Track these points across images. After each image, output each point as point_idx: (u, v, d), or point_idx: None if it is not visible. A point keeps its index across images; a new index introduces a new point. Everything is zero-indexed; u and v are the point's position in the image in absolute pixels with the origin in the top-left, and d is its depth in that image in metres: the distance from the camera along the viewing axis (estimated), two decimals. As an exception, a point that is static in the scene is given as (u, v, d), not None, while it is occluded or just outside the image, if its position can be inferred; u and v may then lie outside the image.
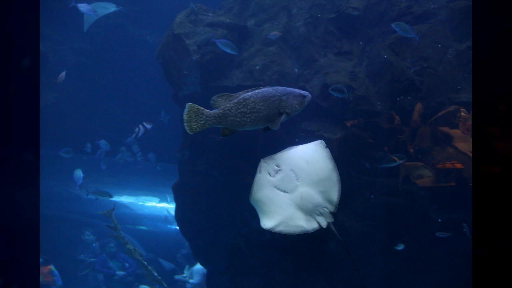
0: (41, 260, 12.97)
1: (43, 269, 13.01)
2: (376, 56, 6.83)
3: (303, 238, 5.80)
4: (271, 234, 5.41)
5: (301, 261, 7.16)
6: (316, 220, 4.04)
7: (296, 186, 4.00)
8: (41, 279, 12.83)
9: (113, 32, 11.34)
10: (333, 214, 4.11)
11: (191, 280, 10.62)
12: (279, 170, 4.00)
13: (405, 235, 6.62)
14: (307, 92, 3.95)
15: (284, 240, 7.05)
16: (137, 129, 9.88)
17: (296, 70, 7.21)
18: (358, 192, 6.69)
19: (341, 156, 6.48)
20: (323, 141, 4.10)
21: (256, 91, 3.80)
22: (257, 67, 7.06)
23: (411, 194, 6.55)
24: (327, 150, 4.06)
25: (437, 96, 6.47)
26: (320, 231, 4.10)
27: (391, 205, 6.59)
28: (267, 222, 4.03)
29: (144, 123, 9.87)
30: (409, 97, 6.49)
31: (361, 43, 7.20)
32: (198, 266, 10.57)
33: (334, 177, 4.01)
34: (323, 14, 7.43)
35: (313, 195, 3.99)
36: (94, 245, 14.68)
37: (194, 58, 7.28)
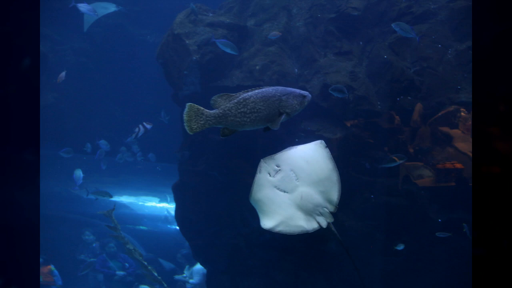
0: (41, 260, 12.98)
1: (43, 269, 13.02)
2: (376, 56, 6.84)
3: (303, 238, 5.81)
4: (271, 234, 5.42)
5: (301, 261, 7.16)
6: (316, 220, 4.04)
7: (296, 186, 4.00)
8: (41, 279, 12.84)
9: (113, 32, 11.35)
10: (333, 214, 4.11)
11: (191, 280, 10.62)
12: (279, 170, 4.00)
13: (405, 235, 6.63)
14: (307, 92, 3.96)
15: (284, 240, 7.05)
16: (137, 129, 9.89)
17: (296, 70, 7.22)
18: (358, 192, 6.69)
19: (341, 156, 6.48)
20: (323, 141, 4.11)
21: (256, 91, 3.81)
22: (257, 67, 7.06)
23: (411, 194, 6.55)
24: (327, 150, 4.06)
25: (437, 96, 6.48)
26: (320, 231, 4.11)
27: (391, 205, 6.60)
28: (267, 222, 4.03)
29: (144, 123, 9.88)
30: (409, 97, 6.49)
31: (361, 43, 7.20)
32: (198, 266, 10.56)
33: (334, 177, 4.01)
34: (323, 14, 7.43)
35: (313, 195, 4.00)
36: (94, 245, 14.69)
37: (194, 58, 7.28)
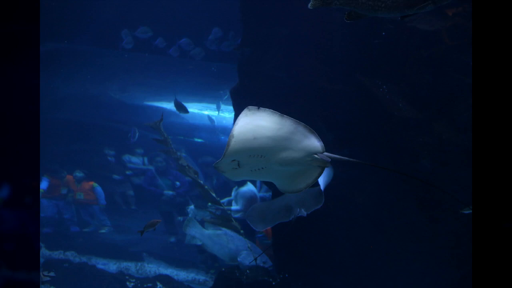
0: (81, 174, 13.96)
1: (84, 185, 14.00)
2: None
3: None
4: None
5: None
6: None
7: (267, 161, 3.98)
8: (82, 197, 13.87)
9: None
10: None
11: (233, 208, 10.45)
12: (237, 161, 3.96)
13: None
14: None
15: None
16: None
17: None
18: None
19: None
20: (250, 107, 4.00)
21: None
22: None
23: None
24: (262, 110, 3.98)
25: None
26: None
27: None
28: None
29: None
30: None
31: None
32: (244, 188, 10.43)
33: (291, 128, 3.94)
34: None
35: (289, 156, 3.97)
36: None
37: None
